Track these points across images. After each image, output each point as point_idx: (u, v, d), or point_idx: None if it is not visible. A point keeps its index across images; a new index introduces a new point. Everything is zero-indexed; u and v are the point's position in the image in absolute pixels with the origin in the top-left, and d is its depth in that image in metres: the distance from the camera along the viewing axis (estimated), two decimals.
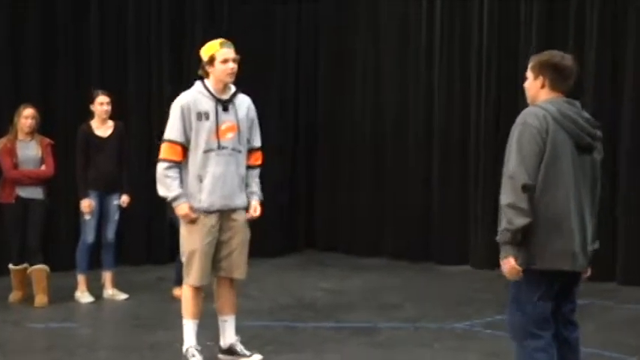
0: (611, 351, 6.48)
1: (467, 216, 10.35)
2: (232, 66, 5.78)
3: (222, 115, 5.79)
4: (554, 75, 4.37)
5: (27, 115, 8.01)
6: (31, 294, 8.05)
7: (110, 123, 8.26)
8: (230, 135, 5.80)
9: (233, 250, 5.90)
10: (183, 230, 5.86)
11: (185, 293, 5.95)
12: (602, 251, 9.05)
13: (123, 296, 8.34)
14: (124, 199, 8.35)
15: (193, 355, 5.87)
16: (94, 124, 8.19)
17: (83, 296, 8.17)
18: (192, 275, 5.82)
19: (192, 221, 5.75)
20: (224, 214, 5.83)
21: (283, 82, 11.50)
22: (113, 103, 8.27)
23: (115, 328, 7.52)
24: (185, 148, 5.74)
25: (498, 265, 4.40)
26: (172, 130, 5.75)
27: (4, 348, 6.58)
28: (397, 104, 11.06)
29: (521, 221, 4.19)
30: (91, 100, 8.20)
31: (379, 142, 11.25)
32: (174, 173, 5.70)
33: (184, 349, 5.94)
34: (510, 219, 4.21)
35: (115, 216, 8.30)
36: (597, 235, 4.51)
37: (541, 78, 4.40)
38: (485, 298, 8.43)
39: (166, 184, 5.71)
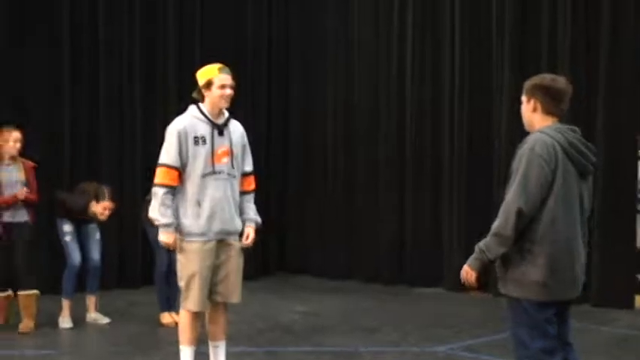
0: None
1: (440, 238, 10.44)
2: (229, 92, 5.82)
3: (218, 140, 5.82)
4: (546, 98, 4.36)
5: (15, 139, 7.83)
6: (8, 320, 7.95)
7: None
8: (225, 159, 5.83)
9: (229, 274, 5.90)
10: (181, 255, 5.85)
11: (183, 319, 5.91)
12: None
13: (105, 320, 8.28)
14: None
15: None
16: None
17: (64, 321, 8.08)
18: (192, 300, 5.79)
19: (181, 248, 5.76)
20: (221, 239, 5.85)
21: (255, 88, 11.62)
22: None
23: (95, 355, 7.44)
24: (180, 173, 5.76)
25: (474, 289, 4.31)
26: (169, 154, 5.75)
27: None
28: (368, 124, 11.22)
29: (500, 251, 4.22)
30: None
31: (351, 163, 11.37)
32: (170, 201, 5.72)
33: None
34: (491, 247, 4.24)
35: (96, 235, 8.25)
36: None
37: (533, 101, 4.39)
38: (461, 320, 8.52)
39: (161, 211, 5.70)
